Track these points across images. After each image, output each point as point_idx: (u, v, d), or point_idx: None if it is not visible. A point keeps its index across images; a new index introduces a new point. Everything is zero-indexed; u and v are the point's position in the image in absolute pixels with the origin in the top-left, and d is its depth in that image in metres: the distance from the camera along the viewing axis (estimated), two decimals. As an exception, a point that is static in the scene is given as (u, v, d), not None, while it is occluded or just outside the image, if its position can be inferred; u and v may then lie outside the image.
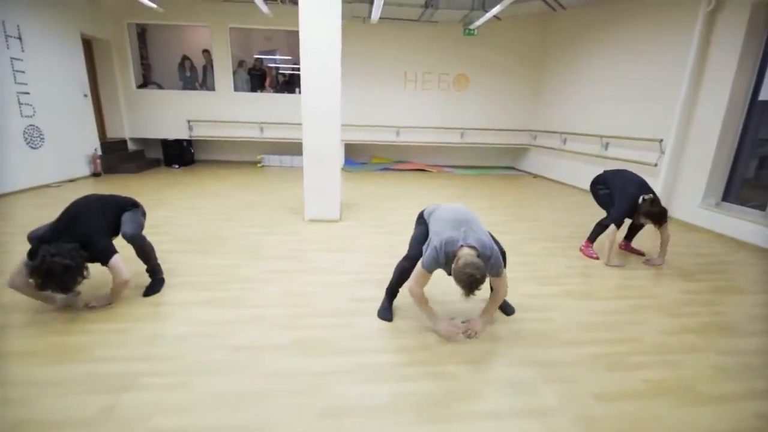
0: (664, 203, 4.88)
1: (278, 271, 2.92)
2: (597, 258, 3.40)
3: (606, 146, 6.01)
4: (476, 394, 1.74)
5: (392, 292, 2.39)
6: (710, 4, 4.25)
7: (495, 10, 5.67)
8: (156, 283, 2.52)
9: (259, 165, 8.14)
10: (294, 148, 8.20)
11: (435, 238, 2.00)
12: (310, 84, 3.92)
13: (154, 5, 6.06)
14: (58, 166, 5.84)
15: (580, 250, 3.56)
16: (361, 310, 2.41)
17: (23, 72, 5.24)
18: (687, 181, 4.71)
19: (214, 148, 8.32)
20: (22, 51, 5.23)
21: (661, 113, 4.97)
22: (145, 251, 2.43)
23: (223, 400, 1.63)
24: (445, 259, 1.95)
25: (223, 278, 2.76)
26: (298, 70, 9.75)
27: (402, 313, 2.39)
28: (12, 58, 5.08)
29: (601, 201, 3.51)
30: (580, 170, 6.64)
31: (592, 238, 3.50)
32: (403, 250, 2.36)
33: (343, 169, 8.26)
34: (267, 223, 4.14)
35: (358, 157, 8.73)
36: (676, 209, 4.84)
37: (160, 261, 2.58)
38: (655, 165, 5.00)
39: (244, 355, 1.92)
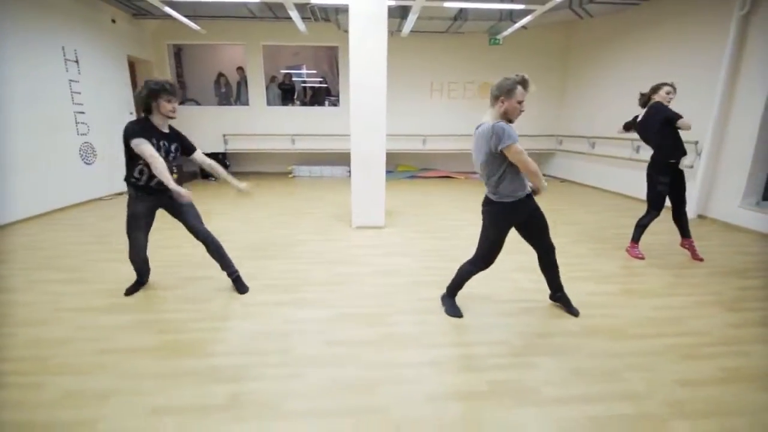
0: (702, 205, 4.98)
1: (347, 274, 3.09)
2: (643, 258, 3.49)
3: (638, 149, 6.09)
4: (565, 381, 1.87)
5: (453, 292, 2.53)
6: (744, 7, 4.36)
7: (524, 21, 5.85)
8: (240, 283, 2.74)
9: (290, 176, 8.39)
10: (323, 158, 8.45)
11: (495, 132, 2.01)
12: (358, 94, 4.13)
13: (197, 27, 6.40)
14: (108, 180, 6.15)
15: (627, 251, 3.64)
16: (432, 308, 2.56)
17: (79, 93, 5.58)
18: (725, 182, 4.77)
19: (247, 160, 8.62)
20: (79, 73, 5.58)
21: (696, 115, 5.02)
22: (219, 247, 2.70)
23: (338, 387, 1.79)
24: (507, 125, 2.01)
25: (299, 281, 2.94)
26: (325, 83, 10.13)
27: (473, 311, 2.53)
28: (70, 80, 5.43)
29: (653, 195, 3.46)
30: (611, 174, 6.71)
31: (636, 238, 3.56)
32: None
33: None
34: (319, 230, 4.33)
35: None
36: (715, 210, 4.89)
37: (236, 266, 2.80)
38: (691, 167, 5.06)
39: (341, 349, 2.08)
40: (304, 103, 9.06)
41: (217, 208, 5.34)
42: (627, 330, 2.35)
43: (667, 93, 3.27)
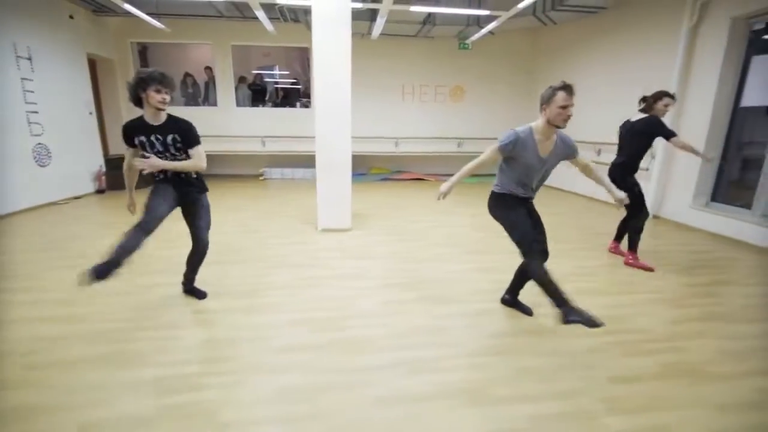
0: (656, 205, 5.19)
1: (308, 278, 3.06)
2: (652, 269, 3.37)
3: (599, 152, 6.31)
4: (510, 380, 1.91)
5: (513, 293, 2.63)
6: (692, 18, 4.59)
7: (490, 27, 5.97)
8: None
9: (261, 178, 8.26)
10: (295, 160, 8.36)
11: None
12: (322, 97, 4.11)
13: (161, 25, 6.22)
14: (65, 183, 5.89)
15: (629, 264, 3.49)
16: (393, 311, 2.57)
17: (32, 92, 5.32)
18: (678, 184, 5.00)
19: (216, 162, 8.39)
20: (32, 71, 5.32)
21: (651, 120, 5.26)
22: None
23: (282, 395, 1.76)
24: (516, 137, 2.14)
25: (259, 286, 2.90)
26: (297, 84, 10.03)
27: (438, 312, 2.55)
28: (22, 79, 5.17)
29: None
30: (575, 177, 6.92)
31: (634, 247, 3.47)
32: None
33: (344, 179, 8.44)
34: (284, 234, 4.27)
35: (357, 168, 8.88)
36: (668, 210, 5.12)
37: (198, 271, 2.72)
38: (647, 169, 5.28)
39: (291, 355, 2.06)
40: (276, 105, 8.94)
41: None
42: (573, 329, 2.40)
43: (665, 105, 3.25)
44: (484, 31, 6.21)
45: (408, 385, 1.85)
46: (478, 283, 3.03)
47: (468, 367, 2.00)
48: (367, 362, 2.02)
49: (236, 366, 1.96)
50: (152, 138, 2.27)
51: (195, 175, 2.46)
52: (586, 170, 2.40)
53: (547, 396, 1.80)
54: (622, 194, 2.41)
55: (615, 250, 3.79)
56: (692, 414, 1.72)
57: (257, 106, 8.41)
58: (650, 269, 3.38)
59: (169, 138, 2.29)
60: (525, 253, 2.28)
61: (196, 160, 2.36)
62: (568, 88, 2.03)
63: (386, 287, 2.94)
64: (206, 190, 2.55)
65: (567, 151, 2.25)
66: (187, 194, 2.43)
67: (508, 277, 2.62)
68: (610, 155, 3.59)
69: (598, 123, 6.27)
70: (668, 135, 3.23)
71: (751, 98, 4.35)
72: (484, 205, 2.50)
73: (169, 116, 2.32)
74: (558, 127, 2.09)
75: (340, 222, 4.46)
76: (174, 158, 2.32)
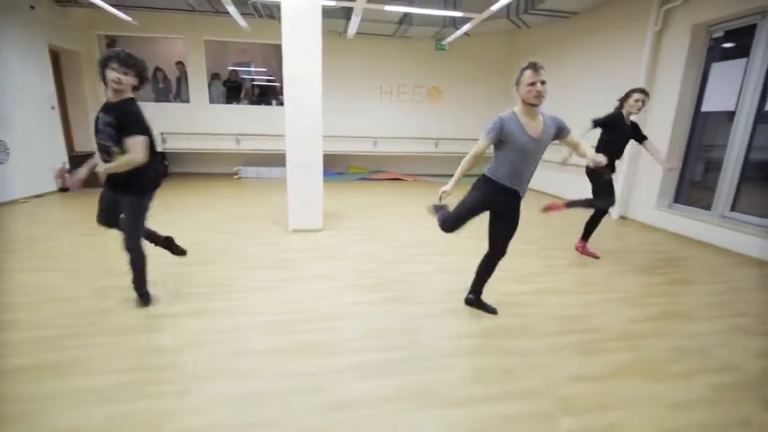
0: (623, 206, 5.33)
1: (270, 280, 3.00)
2: (597, 257, 3.66)
3: (571, 153, 6.42)
4: (468, 382, 1.90)
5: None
6: (657, 24, 4.72)
7: (465, 28, 6.01)
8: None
9: (235, 177, 8.09)
10: (271, 159, 8.22)
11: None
12: (292, 95, 4.05)
13: (127, 17, 6.01)
14: (25, 181, 5.62)
15: (577, 249, 3.78)
16: (357, 313, 2.54)
17: (-13, 84, 5.06)
18: (643, 185, 5.14)
19: (188, 160, 8.20)
20: (-13, 63, 5.06)
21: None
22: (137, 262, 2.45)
23: (230, 402, 1.70)
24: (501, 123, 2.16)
25: (221, 289, 2.81)
26: (274, 81, 9.87)
27: (403, 314, 2.54)
28: (-24, 71, 4.91)
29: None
30: (551, 177, 7.04)
31: (586, 237, 3.68)
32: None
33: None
34: (253, 234, 4.19)
35: (335, 168, 8.84)
36: (634, 211, 5.26)
37: (153, 274, 2.61)
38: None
39: (247, 360, 2.00)
40: (251, 102, 8.77)
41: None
42: (535, 328, 2.44)
43: (636, 101, 3.28)
44: (459, 32, 6.25)
45: (367, 389, 1.82)
46: (445, 284, 3.03)
47: (429, 369, 1.99)
48: (327, 366, 1.97)
49: (188, 372, 1.88)
50: (98, 116, 2.15)
51: (129, 174, 2.18)
52: (577, 147, 2.39)
53: (505, 397, 1.80)
54: (600, 157, 2.28)
55: (583, 250, 3.86)
56: (645, 412, 1.75)
57: (232, 103, 8.23)
58: (596, 257, 3.64)
59: (104, 121, 2.10)
60: (441, 222, 2.46)
61: (129, 154, 2.11)
62: (533, 66, 2.08)
63: (353, 288, 2.91)
64: (139, 192, 2.30)
65: (558, 130, 2.25)
66: (116, 194, 2.29)
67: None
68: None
69: (572, 125, 6.37)
70: (597, 124, 3.40)
71: (711, 104, 4.50)
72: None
73: (126, 100, 2.15)
74: (532, 105, 2.11)
75: (311, 222, 4.40)
76: (105, 149, 2.15)
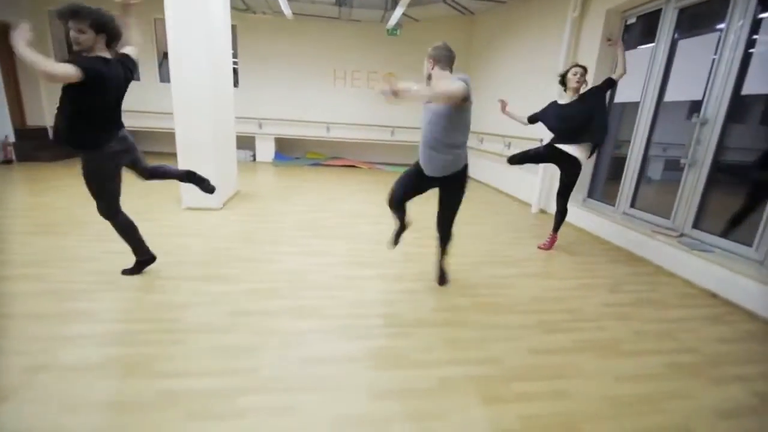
0: (542, 201, 5.15)
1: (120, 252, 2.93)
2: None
3: (509, 146, 6.25)
4: (436, 348, 2.04)
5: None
6: (575, 10, 4.50)
7: (399, 11, 5.85)
8: None
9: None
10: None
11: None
12: (181, 72, 4.02)
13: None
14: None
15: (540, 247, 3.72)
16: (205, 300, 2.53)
17: None
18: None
19: (142, 138, 8.17)
20: None
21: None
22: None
23: (214, 352, 1.89)
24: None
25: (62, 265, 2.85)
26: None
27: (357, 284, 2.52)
28: None
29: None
30: (494, 170, 6.88)
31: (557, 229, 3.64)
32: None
33: (271, 163, 8.36)
34: (144, 210, 4.11)
35: (292, 152, 8.83)
36: (552, 207, 5.07)
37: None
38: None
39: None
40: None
41: (63, 184, 5.10)
42: (512, 307, 2.53)
43: (573, 74, 3.28)
44: (395, 15, 6.09)
45: (337, 348, 1.98)
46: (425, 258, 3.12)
47: (400, 335, 2.13)
48: (306, 326, 2.02)
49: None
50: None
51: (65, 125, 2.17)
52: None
53: (464, 362, 1.93)
54: None
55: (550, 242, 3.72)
56: (592, 383, 1.83)
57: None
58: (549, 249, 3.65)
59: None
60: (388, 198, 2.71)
61: (51, 63, 1.90)
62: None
63: (191, 265, 2.89)
64: (79, 146, 2.22)
65: None
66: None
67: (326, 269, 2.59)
68: (514, 149, 3.78)
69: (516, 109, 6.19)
70: (532, 120, 3.67)
71: (622, 94, 4.29)
72: (375, 196, 2.72)
73: (97, 57, 2.07)
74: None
75: (207, 201, 4.39)
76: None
